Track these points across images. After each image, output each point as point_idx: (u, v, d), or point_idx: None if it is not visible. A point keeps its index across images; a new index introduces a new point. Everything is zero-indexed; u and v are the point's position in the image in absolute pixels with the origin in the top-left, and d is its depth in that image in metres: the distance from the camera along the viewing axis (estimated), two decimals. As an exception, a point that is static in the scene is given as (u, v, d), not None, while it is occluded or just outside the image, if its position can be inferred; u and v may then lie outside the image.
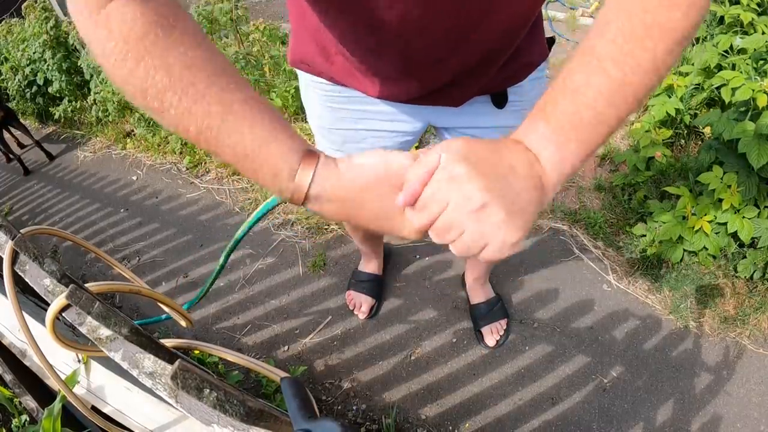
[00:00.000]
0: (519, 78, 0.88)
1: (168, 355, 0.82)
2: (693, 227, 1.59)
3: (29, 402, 1.12)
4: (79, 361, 1.06)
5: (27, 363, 1.15)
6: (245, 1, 2.16)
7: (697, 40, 2.19)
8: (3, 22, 3.93)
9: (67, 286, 0.83)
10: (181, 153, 2.46)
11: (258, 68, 2.25)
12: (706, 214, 1.59)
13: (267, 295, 1.80)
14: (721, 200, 1.55)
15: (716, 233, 1.58)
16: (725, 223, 1.54)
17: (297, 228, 2.00)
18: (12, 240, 0.95)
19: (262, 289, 1.83)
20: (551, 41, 0.93)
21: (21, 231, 1.00)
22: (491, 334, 1.54)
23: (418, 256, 1.82)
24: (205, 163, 2.38)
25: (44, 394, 1.15)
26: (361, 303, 1.67)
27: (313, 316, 1.70)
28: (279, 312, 1.74)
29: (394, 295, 1.71)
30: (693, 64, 1.98)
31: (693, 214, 1.61)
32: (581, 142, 0.47)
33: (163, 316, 1.58)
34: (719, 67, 1.85)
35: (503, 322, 1.55)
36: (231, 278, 1.87)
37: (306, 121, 2.28)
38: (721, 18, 2.06)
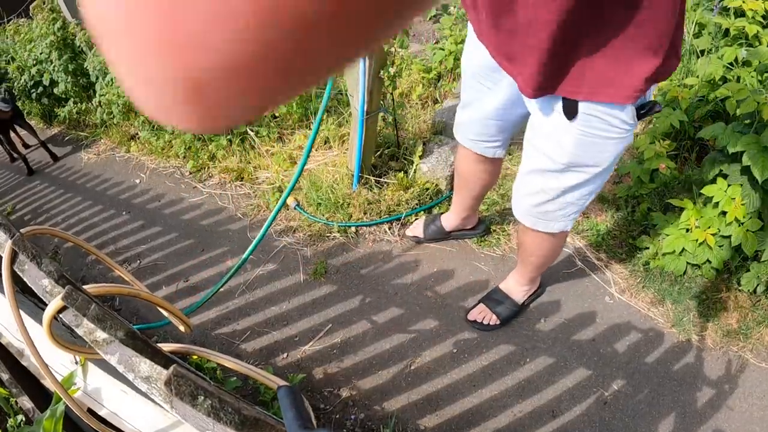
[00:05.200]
0: (595, 94, 0.92)
1: (164, 360, 0.82)
2: (697, 240, 1.58)
3: (25, 402, 1.11)
4: (76, 362, 1.05)
5: (24, 363, 1.14)
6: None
7: (702, 52, 2.19)
8: (11, 22, 3.96)
9: (64, 287, 0.83)
10: (184, 157, 2.45)
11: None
12: (709, 227, 1.58)
13: (267, 301, 1.79)
14: (725, 213, 1.54)
15: (720, 246, 1.57)
16: (729, 236, 1.53)
17: (299, 235, 2.00)
18: (11, 239, 0.95)
19: (262, 296, 1.82)
20: (647, 107, 0.95)
21: (21, 230, 1.00)
22: (478, 314, 1.60)
23: (419, 266, 1.81)
24: (208, 168, 2.37)
25: (41, 395, 1.15)
26: (417, 227, 1.85)
27: (313, 323, 1.69)
28: (279, 319, 1.73)
29: (395, 304, 1.70)
30: (698, 77, 1.98)
31: (697, 227, 1.60)
32: None
33: (163, 322, 1.57)
34: (724, 80, 1.85)
35: (495, 320, 1.58)
36: (231, 284, 1.86)
37: (309, 128, 2.29)
38: (726, 30, 2.06)
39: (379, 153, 1.99)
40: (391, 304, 1.70)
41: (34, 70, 3.36)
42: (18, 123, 3.18)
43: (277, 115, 2.21)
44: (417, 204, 1.90)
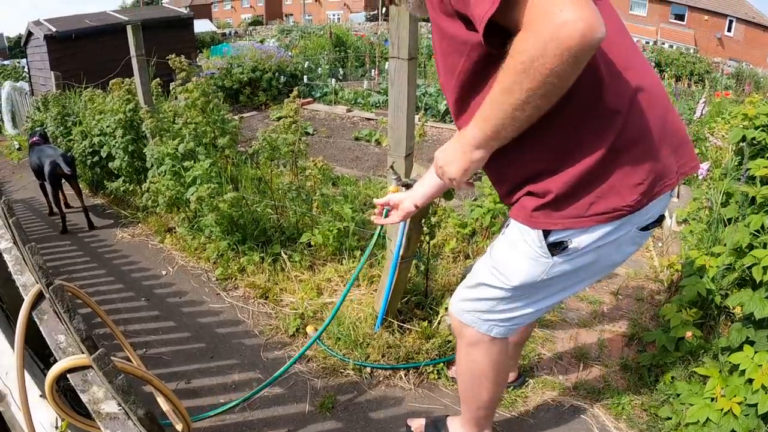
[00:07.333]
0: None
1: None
2: (722, 409, 1.51)
3: (-13, 448, 1.05)
4: (56, 427, 1.00)
5: (1, 408, 1.08)
6: (308, 138, 2.31)
7: (729, 220, 2.21)
8: (88, 89, 4.33)
9: (89, 349, 0.80)
10: (215, 263, 2.48)
11: (308, 203, 2.35)
12: (735, 396, 1.51)
13: (266, 424, 1.72)
14: (751, 380, 1.47)
15: (746, 415, 1.48)
16: (755, 405, 1.44)
17: (312, 365, 1.95)
18: (46, 285, 0.91)
19: (262, 417, 1.75)
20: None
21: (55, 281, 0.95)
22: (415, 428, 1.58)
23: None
24: (236, 278, 2.39)
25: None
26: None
27: (309, 459, 1.60)
28: (274, 446, 1.64)
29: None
30: (725, 245, 1.98)
31: (722, 396, 1.53)
32: (481, 128, 0.89)
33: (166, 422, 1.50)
34: (751, 247, 1.84)
35: None
36: (233, 397, 1.81)
37: (341, 263, 2.30)
38: (753, 198, 2.09)
39: (406, 299, 2.00)
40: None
41: (96, 140, 3.58)
42: (70, 183, 3.35)
43: (312, 244, 2.27)
44: (437, 355, 1.86)
